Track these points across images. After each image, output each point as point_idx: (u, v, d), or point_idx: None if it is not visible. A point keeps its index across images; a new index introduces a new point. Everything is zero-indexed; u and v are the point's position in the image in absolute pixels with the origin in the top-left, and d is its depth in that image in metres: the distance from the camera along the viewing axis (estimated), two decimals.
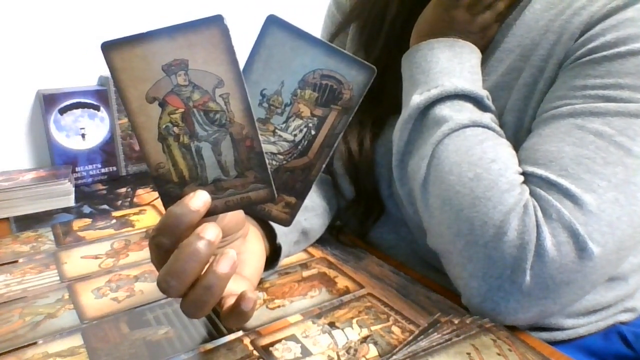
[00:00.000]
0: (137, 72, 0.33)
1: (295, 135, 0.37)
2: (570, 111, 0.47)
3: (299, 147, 0.38)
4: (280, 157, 0.38)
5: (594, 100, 0.46)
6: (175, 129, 0.35)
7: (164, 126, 0.35)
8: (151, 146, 0.36)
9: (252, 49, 0.36)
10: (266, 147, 0.37)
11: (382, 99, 0.62)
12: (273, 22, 0.35)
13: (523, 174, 0.47)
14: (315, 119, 0.37)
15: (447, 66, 0.53)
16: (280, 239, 0.52)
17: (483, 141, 0.49)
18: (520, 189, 0.46)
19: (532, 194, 0.46)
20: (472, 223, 0.45)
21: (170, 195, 0.37)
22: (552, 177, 0.45)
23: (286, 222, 0.40)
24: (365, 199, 0.66)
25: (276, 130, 0.37)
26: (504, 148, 0.49)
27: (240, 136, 0.35)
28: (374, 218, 0.66)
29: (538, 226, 0.43)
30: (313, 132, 0.37)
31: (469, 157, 0.48)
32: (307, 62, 0.35)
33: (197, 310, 0.37)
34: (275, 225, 0.52)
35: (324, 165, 0.38)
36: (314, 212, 0.61)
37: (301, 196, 0.39)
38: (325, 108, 0.37)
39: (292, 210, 0.40)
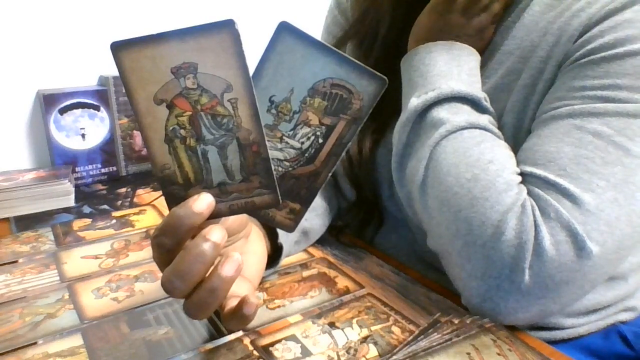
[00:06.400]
0: (146, 73, 0.33)
1: (302, 143, 0.37)
2: (569, 112, 0.47)
3: (306, 154, 0.37)
4: (287, 163, 0.38)
5: (592, 101, 0.46)
6: (182, 131, 0.35)
7: (171, 128, 0.35)
8: (157, 147, 0.36)
9: (262, 55, 0.35)
10: (273, 154, 0.37)
11: (384, 100, 0.62)
12: (285, 29, 0.34)
13: (522, 174, 0.48)
14: (323, 127, 0.37)
15: (445, 69, 0.53)
16: (281, 239, 0.53)
17: (480, 142, 0.49)
18: (517, 189, 0.46)
19: (530, 193, 0.46)
20: (470, 223, 0.46)
21: (175, 196, 0.37)
22: (551, 176, 0.45)
23: (290, 228, 0.40)
24: (366, 204, 0.66)
25: (283, 137, 0.37)
26: (501, 149, 0.49)
27: (247, 141, 0.35)
28: (375, 227, 0.66)
29: (536, 225, 0.44)
30: (321, 141, 0.37)
31: (466, 158, 0.48)
32: (318, 71, 0.35)
33: (200, 312, 0.37)
34: None
35: (330, 174, 0.38)
36: (314, 212, 0.61)
37: (306, 203, 0.39)
38: (334, 117, 0.36)
39: (296, 217, 0.39)
